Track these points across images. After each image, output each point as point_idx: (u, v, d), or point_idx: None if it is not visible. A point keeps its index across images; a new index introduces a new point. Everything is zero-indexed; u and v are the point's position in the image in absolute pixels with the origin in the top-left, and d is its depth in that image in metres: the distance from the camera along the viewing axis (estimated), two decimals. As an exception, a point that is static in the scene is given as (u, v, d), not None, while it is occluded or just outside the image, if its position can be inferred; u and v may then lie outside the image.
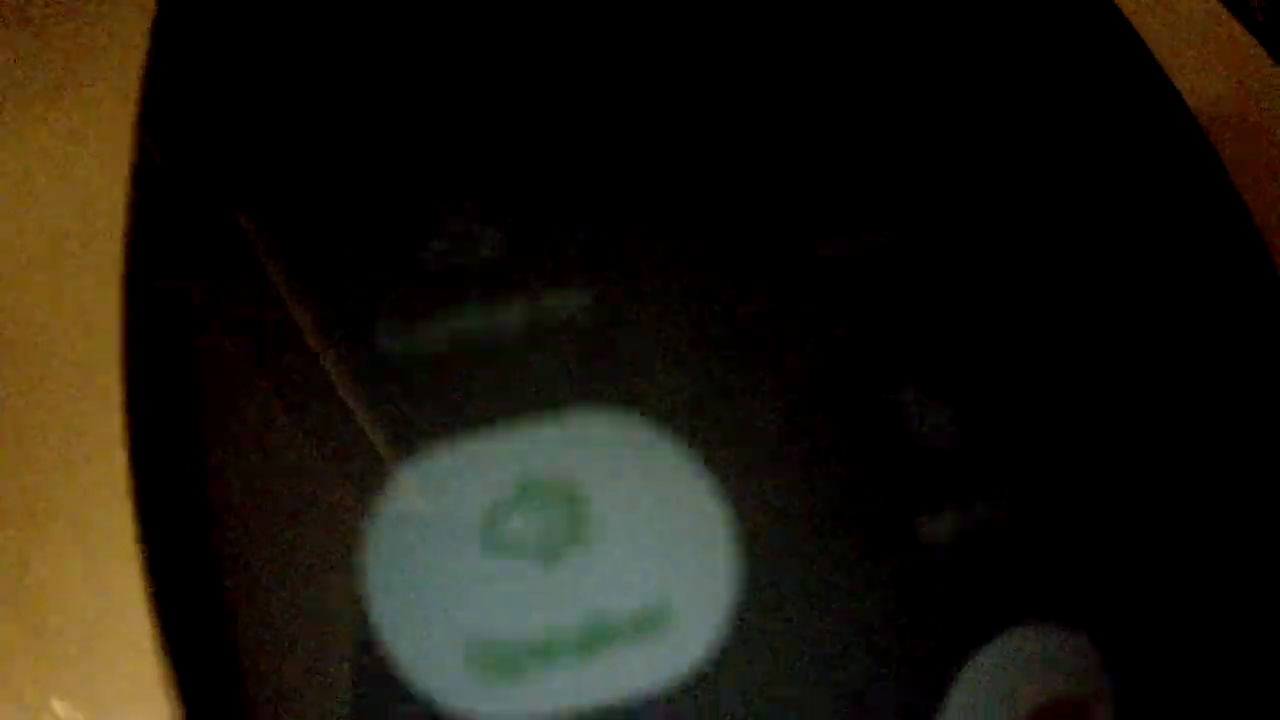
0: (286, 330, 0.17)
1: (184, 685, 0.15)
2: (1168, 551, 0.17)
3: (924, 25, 0.19)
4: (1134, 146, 0.19)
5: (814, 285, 0.17)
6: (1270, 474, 0.18)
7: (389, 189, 0.17)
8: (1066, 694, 0.17)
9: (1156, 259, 0.19)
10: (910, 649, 0.16)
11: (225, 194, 0.17)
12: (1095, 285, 0.18)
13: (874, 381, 0.17)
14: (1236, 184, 0.20)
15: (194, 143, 0.17)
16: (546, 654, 0.16)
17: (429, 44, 0.18)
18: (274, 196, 0.17)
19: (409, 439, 0.16)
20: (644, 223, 0.17)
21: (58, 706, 0.17)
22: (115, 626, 0.17)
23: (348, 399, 0.16)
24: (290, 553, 0.16)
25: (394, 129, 0.17)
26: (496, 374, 0.16)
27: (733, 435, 0.16)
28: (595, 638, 0.16)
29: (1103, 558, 0.17)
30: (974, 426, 0.17)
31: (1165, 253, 0.19)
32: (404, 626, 0.16)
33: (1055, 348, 0.18)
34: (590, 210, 0.17)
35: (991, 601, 0.17)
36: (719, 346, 0.17)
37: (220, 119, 0.17)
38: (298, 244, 0.17)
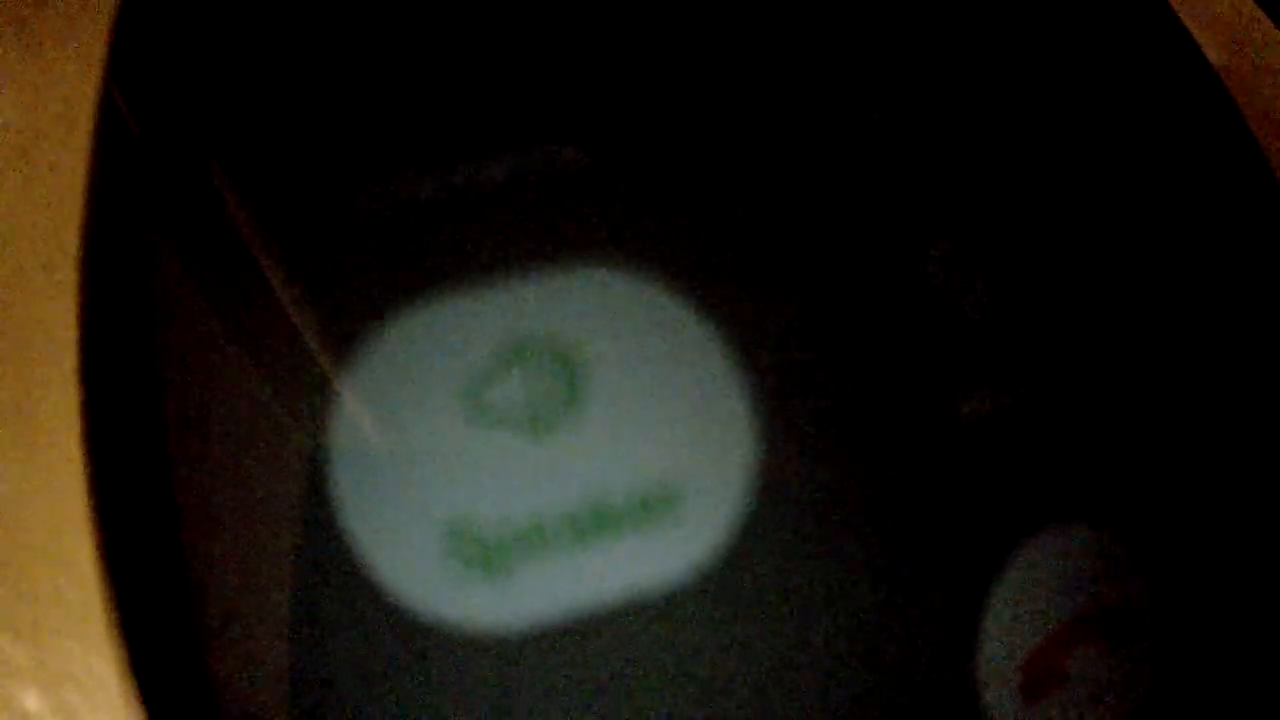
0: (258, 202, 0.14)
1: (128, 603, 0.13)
2: (1225, 452, 0.16)
3: None
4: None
5: (836, 141, 0.15)
6: None
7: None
8: (1111, 600, 0.15)
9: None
10: (948, 543, 0.14)
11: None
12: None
13: (902, 242, 0.15)
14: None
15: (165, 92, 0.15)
16: (538, 543, 0.13)
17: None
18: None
19: (383, 297, 0.14)
20: (649, 78, 0.14)
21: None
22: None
23: (323, 262, 0.14)
24: (247, 438, 0.13)
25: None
26: (483, 227, 0.14)
27: (751, 299, 0.14)
28: (595, 524, 0.14)
29: (1143, 451, 0.15)
30: (1010, 296, 0.15)
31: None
32: (374, 516, 0.13)
33: (1096, 226, 0.16)
34: (592, 68, 0.14)
35: (1033, 494, 0.15)
36: (732, 200, 0.14)
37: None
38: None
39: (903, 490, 0.14)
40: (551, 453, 0.14)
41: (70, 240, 0.16)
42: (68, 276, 0.16)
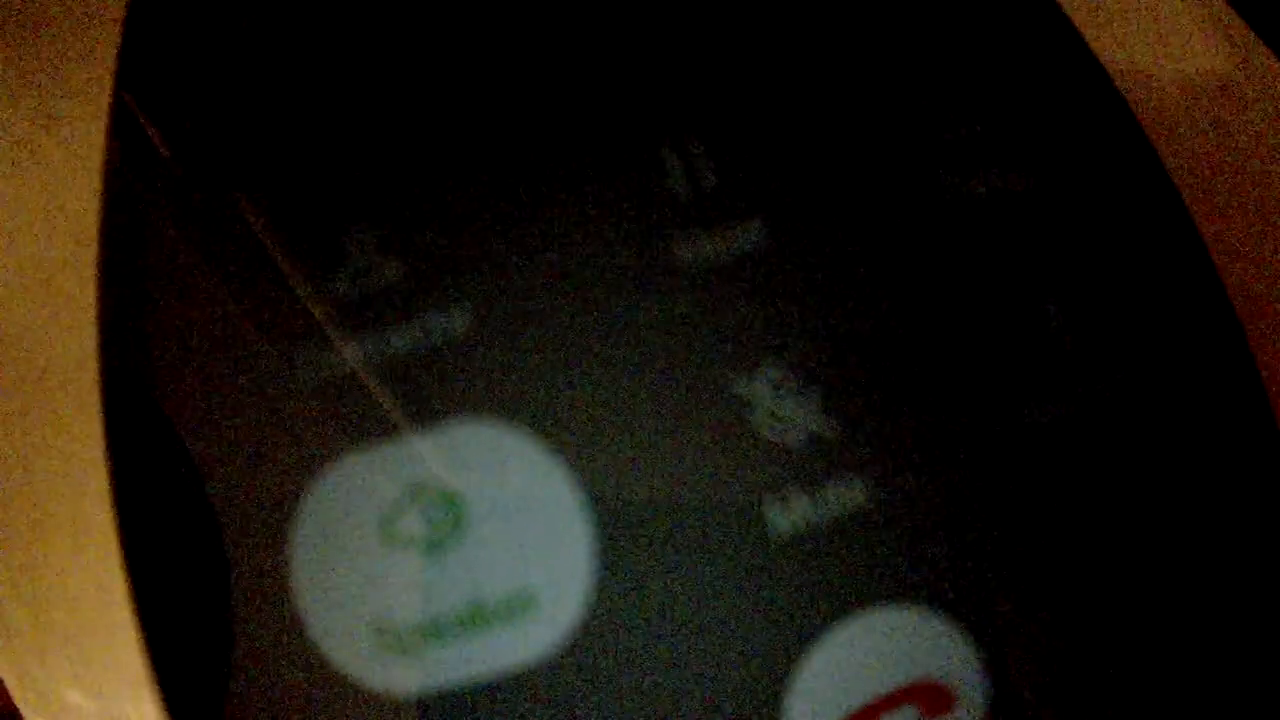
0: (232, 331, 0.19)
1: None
2: (1035, 526, 0.19)
3: None
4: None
5: (672, 292, 0.19)
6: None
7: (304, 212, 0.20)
8: (925, 678, 0.19)
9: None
10: (762, 628, 0.18)
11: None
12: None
13: (725, 372, 0.19)
14: (1218, 161, 0.21)
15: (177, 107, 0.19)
16: (434, 634, 0.19)
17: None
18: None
19: (319, 452, 0.19)
20: (521, 242, 0.19)
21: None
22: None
23: (281, 419, 0.19)
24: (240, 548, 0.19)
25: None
26: (392, 391, 0.19)
27: (593, 438, 0.19)
28: (474, 619, 0.19)
29: (964, 533, 0.19)
30: (825, 405, 0.19)
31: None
32: (323, 611, 0.19)
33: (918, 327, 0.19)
34: (475, 230, 0.19)
35: (844, 582, 0.19)
36: (583, 359, 0.19)
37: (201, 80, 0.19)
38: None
39: (731, 591, 0.19)
40: (442, 566, 0.19)
41: (89, 231, 0.19)
42: (87, 268, 0.19)
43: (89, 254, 0.19)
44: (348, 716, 0.19)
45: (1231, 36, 0.22)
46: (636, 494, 0.19)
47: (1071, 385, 0.20)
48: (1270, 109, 0.21)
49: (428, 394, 0.19)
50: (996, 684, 0.19)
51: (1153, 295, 0.20)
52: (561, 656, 0.19)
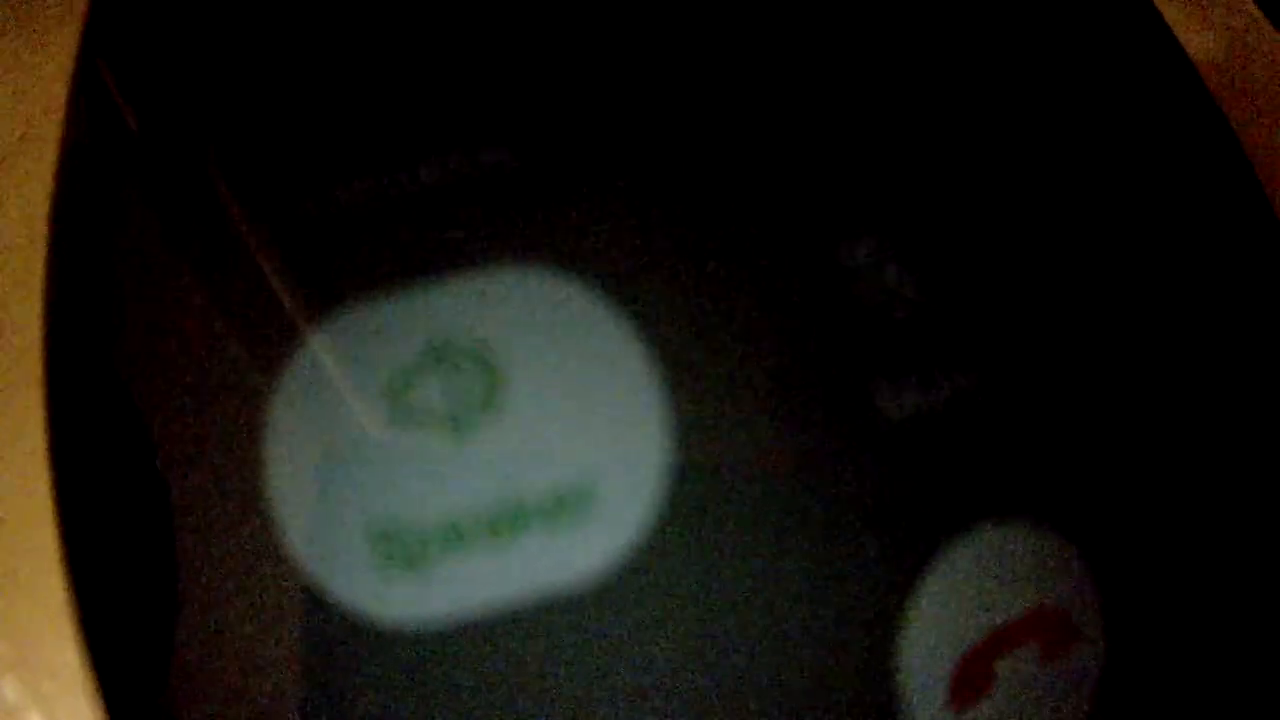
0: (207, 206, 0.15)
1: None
2: (1161, 441, 0.15)
3: None
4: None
5: (759, 135, 0.15)
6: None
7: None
8: (1046, 604, 0.15)
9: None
10: (868, 544, 0.14)
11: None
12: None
13: (826, 237, 0.15)
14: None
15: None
16: (455, 541, 0.14)
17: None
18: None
19: (313, 303, 0.14)
20: (570, 76, 0.15)
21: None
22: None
23: (259, 269, 0.14)
24: (193, 440, 0.14)
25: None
26: (405, 231, 0.14)
27: (667, 298, 0.14)
28: (510, 522, 0.14)
29: (1089, 445, 0.15)
30: (938, 285, 0.15)
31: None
32: (301, 513, 0.14)
33: (1033, 200, 0.16)
34: (519, 68, 0.15)
35: (962, 491, 0.15)
36: (652, 203, 0.15)
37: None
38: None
39: (827, 488, 0.15)
40: (469, 453, 0.14)
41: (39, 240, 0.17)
42: (37, 274, 0.17)
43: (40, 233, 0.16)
44: (336, 654, 0.14)
45: (1234, 12, 0.20)
46: (718, 366, 0.15)
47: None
48: (1274, 86, 0.20)
49: (455, 232, 0.14)
50: (1115, 613, 0.15)
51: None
52: (624, 574, 0.14)
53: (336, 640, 0.14)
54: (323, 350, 0.14)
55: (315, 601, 0.14)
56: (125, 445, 0.15)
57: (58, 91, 0.16)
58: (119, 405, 0.15)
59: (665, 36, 0.15)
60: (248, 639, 0.14)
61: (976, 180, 0.16)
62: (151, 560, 0.15)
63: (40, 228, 0.16)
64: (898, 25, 0.16)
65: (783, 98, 0.16)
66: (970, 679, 0.15)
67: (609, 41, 0.15)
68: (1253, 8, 0.21)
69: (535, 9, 0.15)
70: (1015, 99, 0.16)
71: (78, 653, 0.16)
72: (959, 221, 0.16)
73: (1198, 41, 0.20)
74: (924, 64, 0.16)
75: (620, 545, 0.14)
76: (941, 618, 0.15)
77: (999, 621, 0.15)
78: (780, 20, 0.16)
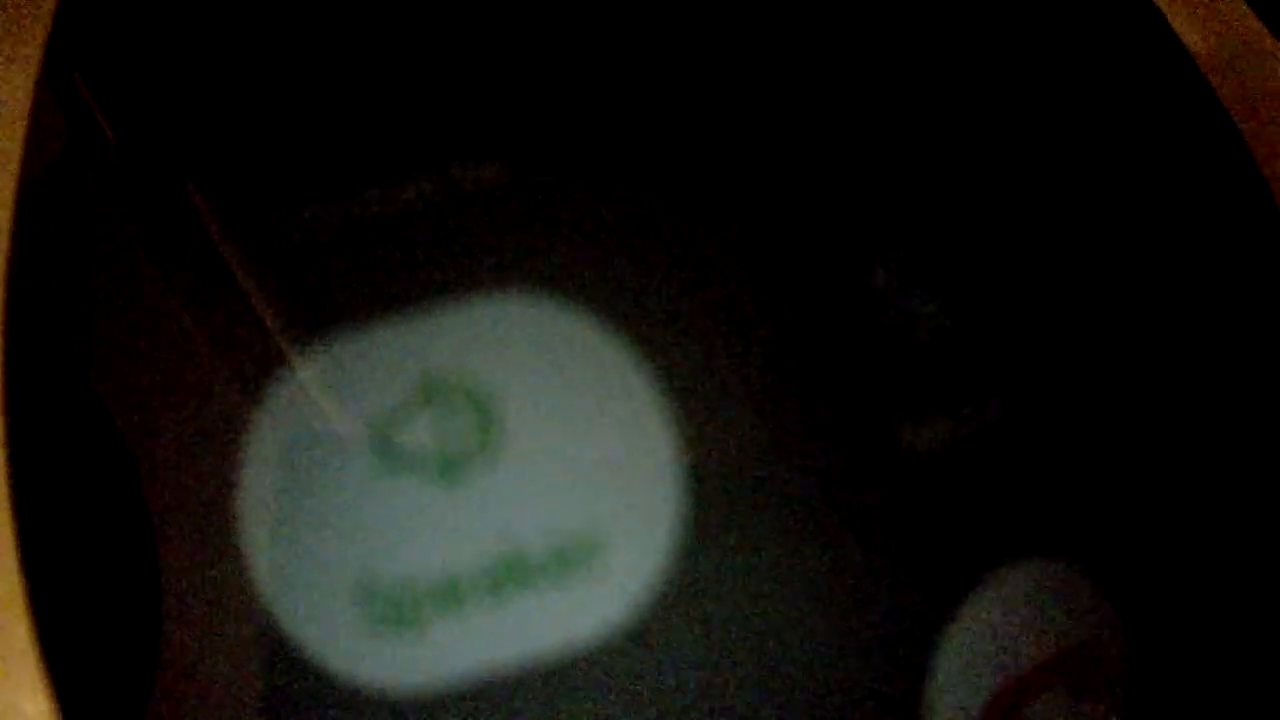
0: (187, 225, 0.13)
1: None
2: (1195, 476, 0.15)
3: None
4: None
5: (769, 146, 0.14)
6: None
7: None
8: (1074, 645, 0.14)
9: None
10: (892, 587, 0.13)
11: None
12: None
13: (845, 259, 0.14)
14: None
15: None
16: (451, 599, 0.13)
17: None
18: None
19: (294, 333, 0.13)
20: (566, 90, 0.14)
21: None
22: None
23: (242, 293, 0.13)
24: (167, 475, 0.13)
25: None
26: (392, 256, 0.13)
27: (677, 327, 0.13)
28: (510, 577, 0.13)
29: (1118, 480, 0.14)
30: (964, 314, 0.14)
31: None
32: (285, 567, 0.13)
33: (1057, 216, 0.15)
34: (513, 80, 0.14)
35: (988, 528, 0.14)
36: (657, 221, 0.13)
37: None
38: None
39: (848, 530, 0.14)
40: (463, 500, 0.13)
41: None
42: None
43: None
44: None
45: (1223, 10, 0.20)
46: (735, 397, 0.13)
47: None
48: (1265, 85, 0.19)
49: (447, 256, 0.13)
50: (1144, 655, 0.15)
51: None
52: (635, 633, 0.13)
53: (323, 709, 0.13)
54: (303, 387, 0.13)
55: (297, 666, 0.13)
56: (101, 466, 0.14)
57: (20, 102, 0.15)
58: (95, 422, 0.14)
59: (675, 48, 0.14)
60: (226, 706, 0.13)
61: (1000, 200, 0.15)
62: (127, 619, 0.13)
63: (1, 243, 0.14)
64: (911, 41, 0.15)
65: (794, 113, 0.14)
66: (999, 724, 0.14)
67: (612, 54, 0.14)
68: (1243, 7, 0.21)
69: (534, 19, 0.14)
70: (1035, 120, 0.15)
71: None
72: (985, 242, 0.15)
73: (1185, 40, 0.20)
74: (940, 84, 0.15)
75: (631, 601, 0.13)
76: (968, 661, 0.14)
77: (1026, 664, 0.14)
78: (791, 36, 0.15)
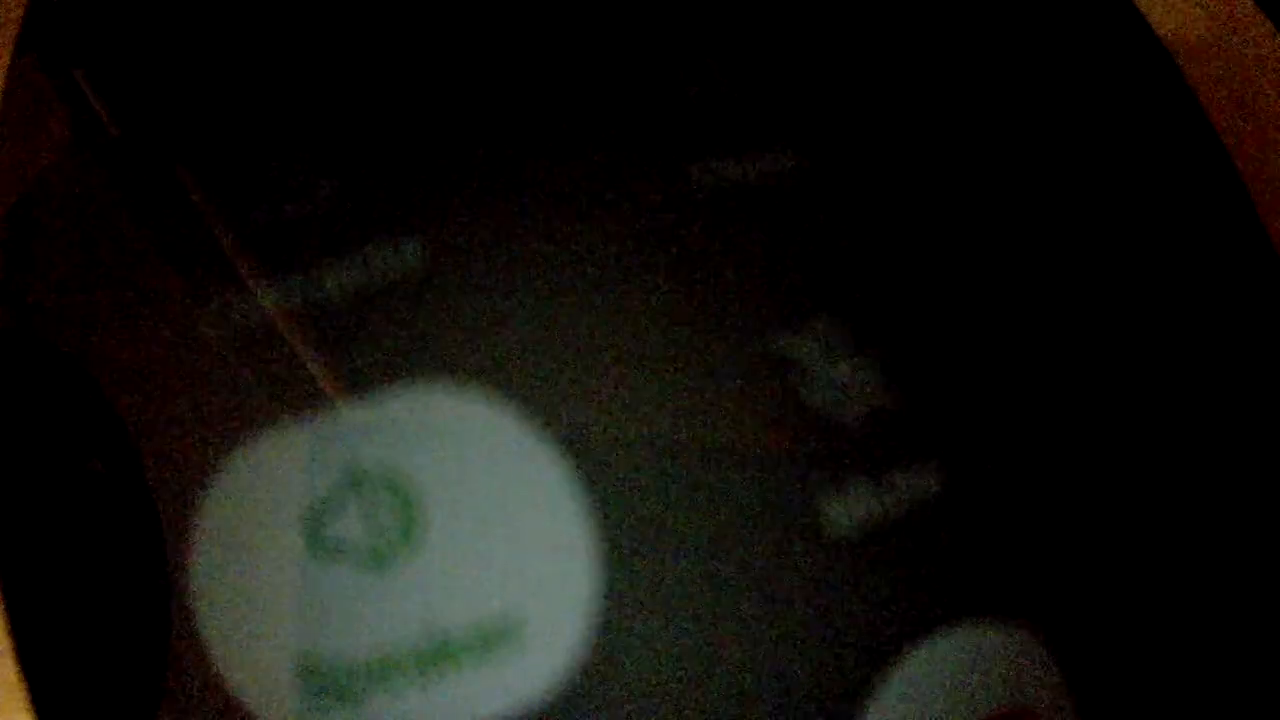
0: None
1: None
2: (1125, 533, 0.15)
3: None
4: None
5: (690, 219, 0.14)
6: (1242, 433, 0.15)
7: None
8: (1014, 706, 0.14)
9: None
10: (817, 660, 0.14)
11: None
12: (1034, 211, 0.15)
13: (764, 330, 0.14)
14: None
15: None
16: (382, 675, 0.14)
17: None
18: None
19: (229, 425, 0.14)
20: (486, 159, 0.14)
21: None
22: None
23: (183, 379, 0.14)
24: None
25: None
26: (316, 346, 0.14)
27: (594, 409, 0.14)
28: (438, 656, 0.14)
29: (1050, 537, 0.14)
30: (895, 381, 0.14)
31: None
32: (232, 645, 0.14)
33: (989, 284, 0.15)
34: (424, 156, 0.14)
35: (920, 598, 0.14)
36: (576, 300, 0.14)
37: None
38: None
39: (770, 612, 0.14)
40: (392, 585, 0.14)
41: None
42: None
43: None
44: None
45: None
46: (651, 481, 0.14)
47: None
48: (1260, 70, 0.19)
49: (367, 346, 0.14)
50: (1087, 712, 0.15)
51: None
52: (553, 707, 0.14)
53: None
54: (241, 476, 0.14)
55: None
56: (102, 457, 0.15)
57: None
58: (95, 411, 0.15)
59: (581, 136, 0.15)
60: None
61: (934, 261, 0.15)
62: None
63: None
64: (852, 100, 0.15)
65: (717, 176, 0.15)
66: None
67: (523, 142, 0.15)
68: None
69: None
70: (965, 179, 0.15)
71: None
72: (919, 307, 0.15)
73: (1180, 26, 0.19)
74: (875, 141, 0.15)
75: (554, 676, 0.14)
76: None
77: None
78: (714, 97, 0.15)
